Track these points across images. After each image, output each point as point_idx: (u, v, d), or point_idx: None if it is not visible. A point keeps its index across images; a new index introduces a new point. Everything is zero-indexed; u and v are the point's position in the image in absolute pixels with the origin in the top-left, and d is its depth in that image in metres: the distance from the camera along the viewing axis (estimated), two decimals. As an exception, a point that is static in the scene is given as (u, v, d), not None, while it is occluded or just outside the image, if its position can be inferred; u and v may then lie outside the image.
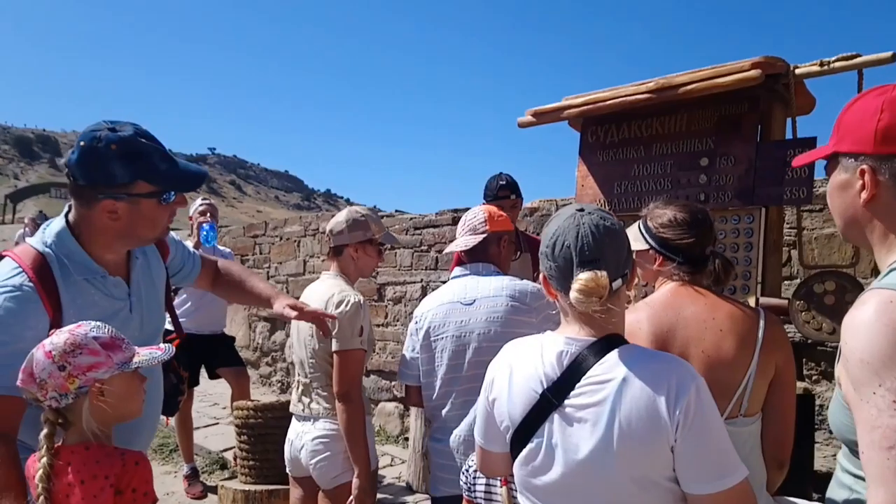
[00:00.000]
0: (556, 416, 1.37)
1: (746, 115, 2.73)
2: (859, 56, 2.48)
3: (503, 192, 3.53)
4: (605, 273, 1.34)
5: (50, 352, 1.46)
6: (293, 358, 2.79)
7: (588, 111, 2.95)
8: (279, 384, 7.36)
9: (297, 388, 2.74)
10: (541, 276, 1.51)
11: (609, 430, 1.31)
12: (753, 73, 2.47)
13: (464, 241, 2.49)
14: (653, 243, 1.98)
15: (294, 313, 2.23)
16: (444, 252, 2.38)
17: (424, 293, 5.51)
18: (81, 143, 1.60)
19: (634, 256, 2.08)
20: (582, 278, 1.33)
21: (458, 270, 2.56)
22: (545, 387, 1.39)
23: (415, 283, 5.67)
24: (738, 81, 2.52)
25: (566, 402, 1.36)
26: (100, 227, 1.69)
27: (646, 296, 2.11)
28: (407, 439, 5.36)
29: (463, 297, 2.43)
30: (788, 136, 2.79)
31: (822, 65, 2.56)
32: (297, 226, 7.09)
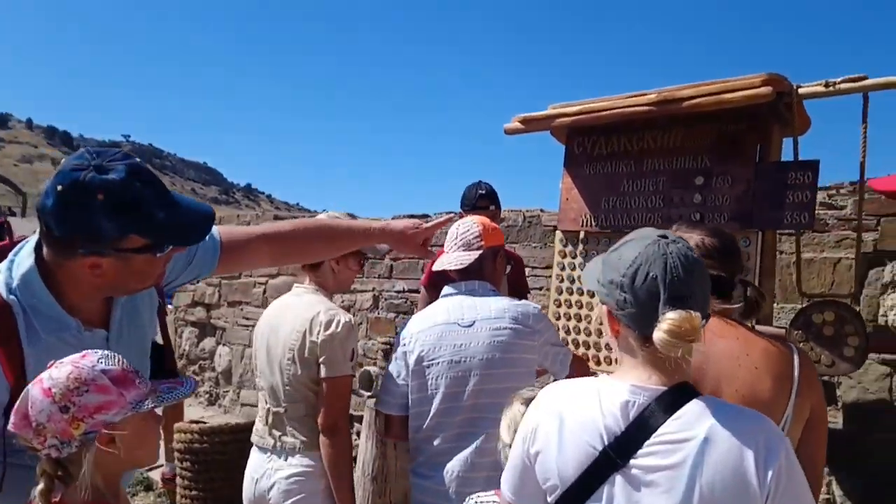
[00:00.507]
0: (618, 479, 1.19)
1: (747, 133, 2.62)
2: (866, 78, 2.41)
3: (482, 201, 3.33)
4: (698, 313, 1.16)
5: (49, 389, 1.18)
6: (260, 383, 2.49)
7: (583, 121, 2.79)
8: (207, 395, 6.92)
9: (267, 418, 2.42)
10: (602, 308, 1.32)
11: (688, 498, 1.13)
12: (764, 90, 2.36)
13: (457, 257, 2.27)
14: None
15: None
16: (438, 270, 2.20)
17: (377, 303, 5.25)
18: (58, 188, 1.26)
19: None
20: (673, 318, 1.15)
21: (449, 289, 2.34)
22: (606, 443, 1.20)
23: (365, 291, 5.39)
24: (747, 98, 2.40)
25: (632, 462, 1.18)
26: (78, 279, 1.37)
27: None
28: (353, 460, 5.08)
29: (460, 319, 2.21)
30: (784, 157, 2.70)
31: (826, 85, 2.48)
32: (232, 224, 6.69)
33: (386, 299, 5.17)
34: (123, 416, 1.22)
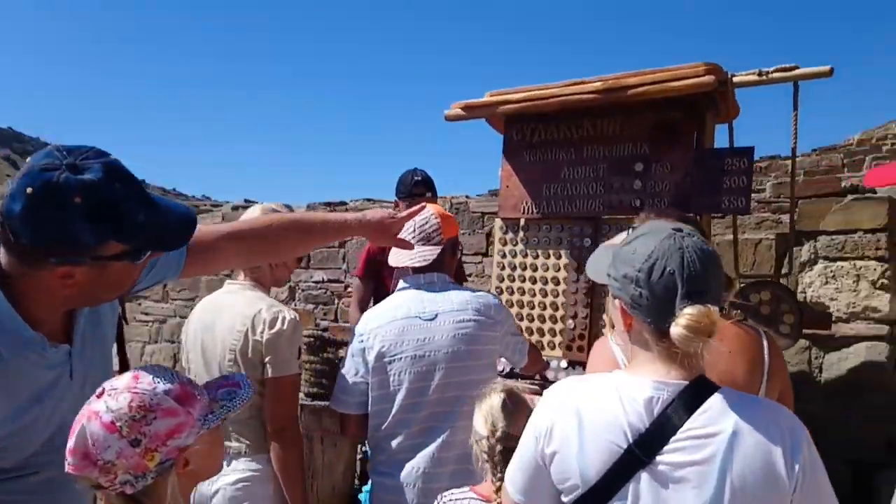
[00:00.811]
0: (644, 476, 1.17)
1: (683, 121, 2.69)
2: (797, 68, 2.52)
3: (419, 188, 3.26)
4: (716, 307, 1.16)
5: (112, 423, 1.06)
6: None
7: (528, 108, 2.77)
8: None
9: None
10: (614, 300, 1.30)
11: (719, 492, 1.13)
12: (707, 79, 2.42)
13: (419, 253, 2.20)
14: None
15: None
16: (398, 266, 2.09)
17: (293, 295, 5.06)
18: (28, 191, 1.10)
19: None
20: (691, 313, 1.14)
21: (405, 282, 2.27)
22: (631, 440, 1.18)
23: (280, 282, 5.19)
24: (690, 86, 2.46)
25: (659, 458, 1.16)
26: (45, 289, 1.22)
27: None
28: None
29: (421, 312, 2.15)
30: (717, 143, 2.80)
31: (760, 74, 2.58)
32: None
33: (303, 290, 4.99)
34: (196, 435, 1.13)
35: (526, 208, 2.99)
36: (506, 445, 1.77)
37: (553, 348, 2.88)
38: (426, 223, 2.22)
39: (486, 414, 1.82)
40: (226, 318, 2.24)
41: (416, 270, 2.24)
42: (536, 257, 2.98)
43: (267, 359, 2.15)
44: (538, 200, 2.96)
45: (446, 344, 2.10)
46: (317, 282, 4.90)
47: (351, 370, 2.20)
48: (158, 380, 1.11)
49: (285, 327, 2.17)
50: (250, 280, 2.34)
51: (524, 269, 3.01)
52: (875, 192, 3.12)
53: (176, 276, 1.56)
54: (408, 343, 2.12)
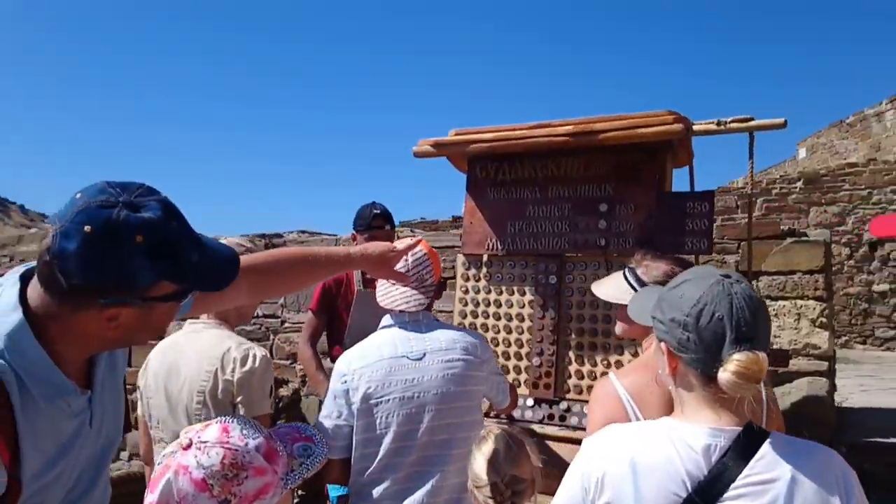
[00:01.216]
0: None
1: (645, 164, 2.79)
2: (753, 119, 2.68)
3: (377, 221, 3.22)
4: (764, 354, 1.19)
5: (204, 480, 1.00)
6: (160, 434, 2.18)
7: (498, 147, 2.80)
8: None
9: None
10: (660, 343, 1.32)
11: None
12: (676, 126, 2.53)
13: (414, 297, 2.15)
14: None
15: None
16: (390, 307, 1.99)
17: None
18: (87, 229, 1.04)
19: (618, 311, 1.98)
20: (740, 359, 1.17)
21: (390, 319, 2.21)
22: (690, 489, 1.19)
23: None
24: (660, 133, 2.56)
25: None
26: (81, 332, 1.14)
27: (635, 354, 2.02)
28: None
29: (409, 352, 2.10)
30: (676, 186, 2.93)
31: (718, 124, 2.73)
32: (35, 245, 5.84)
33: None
34: (279, 496, 1.07)
35: (491, 245, 3.01)
36: (514, 489, 1.74)
37: (518, 386, 2.88)
38: (420, 264, 2.18)
39: (489, 458, 1.79)
40: (191, 358, 2.13)
41: (403, 309, 2.19)
42: (500, 293, 2.99)
43: (238, 399, 2.07)
44: (503, 237, 2.99)
45: (435, 385, 2.05)
46: (253, 317, 4.71)
47: (333, 412, 2.11)
48: (247, 434, 1.06)
49: (257, 365, 2.10)
50: (215, 318, 2.23)
51: (488, 305, 3.01)
52: (807, 236, 3.34)
53: (187, 311, 1.48)
54: (395, 384, 2.06)
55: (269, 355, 2.19)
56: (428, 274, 2.16)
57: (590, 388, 2.77)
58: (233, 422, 1.10)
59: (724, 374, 1.17)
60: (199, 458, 1.01)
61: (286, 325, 4.45)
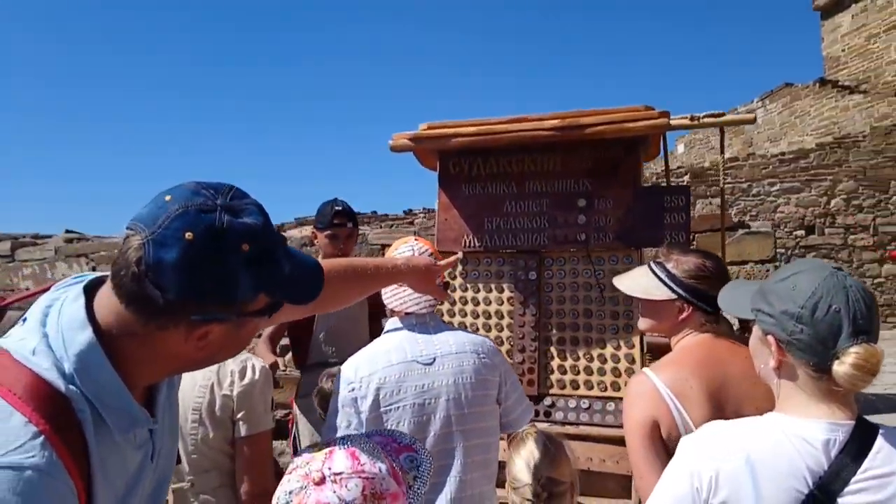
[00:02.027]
0: None
1: (623, 160, 2.83)
2: (725, 115, 2.77)
3: (339, 218, 3.06)
4: (881, 348, 1.21)
5: None
6: None
7: (483, 142, 2.74)
8: None
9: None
10: (766, 336, 1.30)
11: None
12: (661, 121, 2.57)
13: (424, 298, 2.04)
14: (683, 293, 1.87)
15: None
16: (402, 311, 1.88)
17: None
18: (187, 236, 0.90)
19: (644, 306, 1.98)
20: (859, 352, 1.18)
21: (396, 322, 2.10)
22: (811, 484, 1.19)
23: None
24: (647, 127, 2.60)
25: (840, 501, 1.18)
26: (164, 354, 0.99)
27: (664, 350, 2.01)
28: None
29: (419, 356, 2.00)
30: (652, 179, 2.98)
31: (692, 119, 2.80)
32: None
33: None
34: None
35: (467, 241, 2.95)
36: (552, 491, 1.70)
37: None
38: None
39: (527, 460, 1.74)
40: (185, 376, 1.95)
41: (409, 311, 2.09)
42: (478, 291, 2.94)
43: (239, 415, 1.92)
44: (480, 234, 2.94)
45: (447, 390, 1.96)
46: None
47: (343, 422, 1.97)
48: (375, 456, 0.95)
49: (257, 377, 1.96)
50: None
51: (465, 303, 2.95)
52: (749, 227, 3.51)
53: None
54: (407, 391, 1.95)
55: (268, 368, 2.04)
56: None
57: (573, 382, 2.78)
58: (354, 444, 1.00)
59: (842, 368, 1.18)
60: (338, 493, 0.91)
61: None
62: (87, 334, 0.92)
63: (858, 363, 1.17)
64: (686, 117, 2.81)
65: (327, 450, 1.00)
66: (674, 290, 1.87)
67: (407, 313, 2.07)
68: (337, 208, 3.10)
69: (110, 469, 0.95)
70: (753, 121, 2.80)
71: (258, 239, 0.95)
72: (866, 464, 1.18)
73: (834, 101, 13.76)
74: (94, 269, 4.91)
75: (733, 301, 1.49)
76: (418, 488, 1.05)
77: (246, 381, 1.92)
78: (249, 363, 1.96)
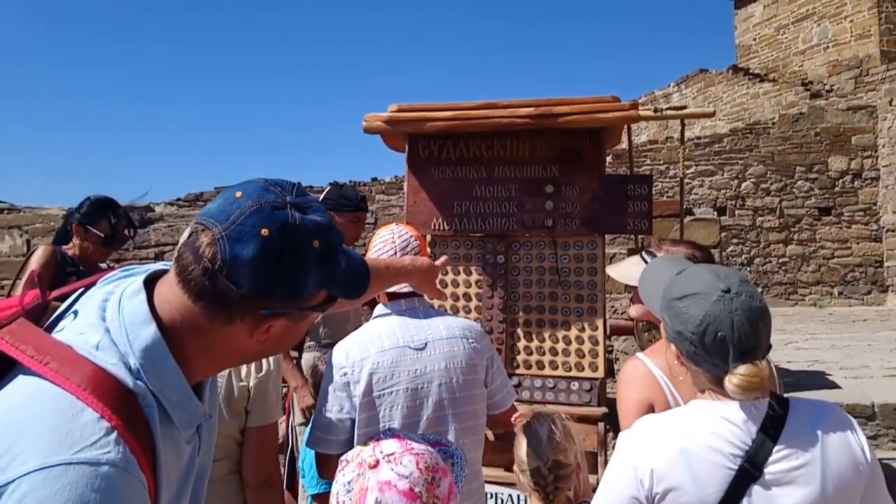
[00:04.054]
0: (756, 489, 1.31)
1: (589, 148, 2.92)
2: (686, 108, 2.90)
3: (363, 203, 3.23)
4: (765, 362, 1.32)
5: (411, 489, 0.94)
6: None
7: (458, 126, 2.76)
8: None
9: None
10: (670, 345, 1.42)
11: (824, 487, 1.31)
12: (632, 112, 2.67)
13: None
14: None
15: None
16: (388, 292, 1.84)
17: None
18: (263, 232, 0.90)
19: (636, 294, 2.08)
20: (742, 373, 1.29)
21: (385, 308, 2.11)
22: (742, 460, 1.31)
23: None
24: (618, 119, 2.69)
25: (766, 470, 1.31)
26: (228, 348, 1.00)
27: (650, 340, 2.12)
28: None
29: (411, 341, 2.03)
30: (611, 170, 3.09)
31: (655, 111, 2.92)
32: None
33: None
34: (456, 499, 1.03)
35: (437, 224, 2.98)
36: (557, 474, 1.78)
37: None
38: (407, 245, 2.10)
39: (533, 442, 1.81)
40: None
41: (398, 296, 2.11)
42: (446, 273, 2.99)
43: (252, 405, 1.90)
44: (449, 217, 2.97)
45: (439, 375, 2.00)
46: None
47: (334, 406, 1.99)
48: (418, 441, 1.00)
49: (272, 367, 1.94)
50: None
51: (433, 286, 2.99)
52: (693, 213, 3.71)
53: None
54: (401, 375, 1.98)
55: (279, 356, 2.03)
56: (415, 251, 2.10)
57: (538, 362, 2.88)
58: (395, 433, 1.08)
59: (729, 385, 1.30)
60: (396, 470, 0.95)
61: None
62: (151, 329, 0.92)
63: (742, 384, 1.28)
64: (650, 109, 2.93)
65: (373, 441, 1.04)
66: None
67: (398, 295, 2.09)
68: (361, 194, 3.21)
69: (169, 465, 0.95)
70: (712, 114, 2.94)
71: (326, 236, 0.96)
72: (784, 434, 1.31)
73: (745, 89, 14.44)
74: (28, 242, 4.63)
75: (650, 296, 1.61)
76: (460, 474, 1.10)
77: (262, 372, 1.91)
78: None
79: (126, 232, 3.14)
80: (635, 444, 1.39)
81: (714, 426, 1.31)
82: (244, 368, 1.89)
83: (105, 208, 3.08)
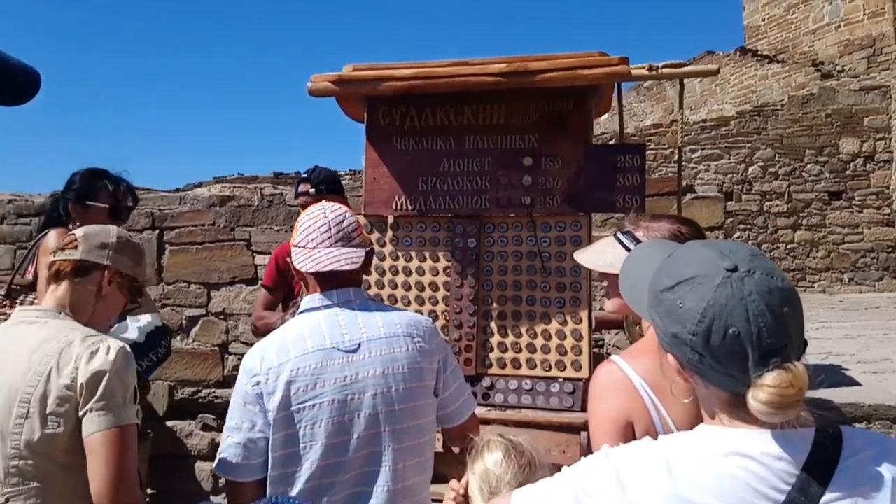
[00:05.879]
0: None
1: (573, 112, 2.53)
2: (685, 65, 2.51)
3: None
4: (801, 365, 0.91)
5: None
6: None
7: (419, 87, 2.37)
8: None
9: None
10: (666, 356, 1.03)
11: None
12: (622, 68, 2.28)
13: (346, 255, 1.68)
14: None
15: None
16: (320, 271, 1.44)
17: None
18: None
19: (612, 283, 1.69)
20: (772, 384, 0.89)
21: (313, 300, 1.73)
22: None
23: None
24: (604, 75, 2.30)
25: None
26: None
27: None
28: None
29: (340, 342, 1.64)
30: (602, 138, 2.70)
31: (650, 69, 2.53)
32: None
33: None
34: None
35: (399, 204, 2.60)
36: None
37: (433, 363, 2.53)
38: (342, 220, 1.72)
39: (480, 482, 1.43)
40: (12, 357, 1.55)
41: (328, 285, 1.72)
42: (410, 260, 2.61)
43: (89, 405, 1.50)
44: (413, 195, 2.59)
45: (375, 383, 1.61)
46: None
47: (244, 423, 1.60)
48: None
49: (112, 357, 1.54)
50: (59, 306, 1.67)
51: (395, 273, 2.61)
52: (694, 191, 3.32)
53: None
54: (326, 384, 1.59)
55: (129, 350, 1.62)
56: (354, 232, 1.71)
57: (514, 361, 2.51)
58: None
59: (755, 404, 0.90)
60: None
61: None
62: None
63: (774, 399, 0.89)
64: (644, 67, 2.54)
65: None
66: None
67: (329, 284, 1.71)
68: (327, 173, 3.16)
69: None
70: (716, 72, 2.56)
71: None
72: (837, 476, 0.92)
73: (753, 70, 13.97)
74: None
75: (636, 296, 1.22)
76: None
77: (96, 363, 1.51)
78: (103, 344, 1.55)
79: (128, 202, 2.80)
80: (623, 482, 0.99)
81: (728, 467, 0.92)
82: (69, 363, 1.49)
83: (100, 177, 2.73)
